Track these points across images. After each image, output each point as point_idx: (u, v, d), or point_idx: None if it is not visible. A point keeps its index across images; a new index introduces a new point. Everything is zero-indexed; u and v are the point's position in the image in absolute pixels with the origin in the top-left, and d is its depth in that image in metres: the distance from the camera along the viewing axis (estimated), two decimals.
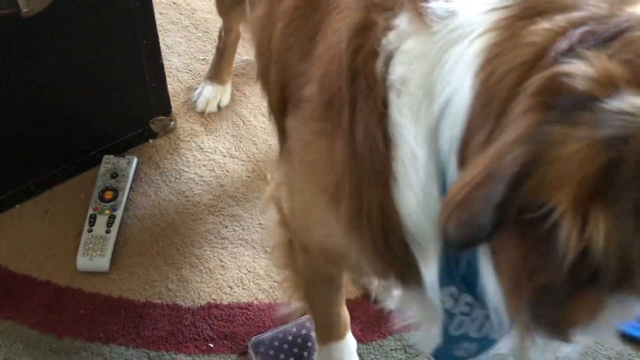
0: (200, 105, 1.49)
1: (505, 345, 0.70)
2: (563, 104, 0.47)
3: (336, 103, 0.66)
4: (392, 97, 0.61)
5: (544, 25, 0.52)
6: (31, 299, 1.21)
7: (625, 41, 0.49)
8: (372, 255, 0.69)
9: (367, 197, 0.65)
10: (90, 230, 1.27)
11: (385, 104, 0.62)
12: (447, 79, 0.57)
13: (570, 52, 0.50)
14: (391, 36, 0.61)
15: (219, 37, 1.48)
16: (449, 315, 0.66)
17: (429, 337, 0.73)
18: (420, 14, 0.60)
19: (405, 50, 0.60)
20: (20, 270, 1.24)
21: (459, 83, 0.56)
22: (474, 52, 0.55)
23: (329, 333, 1.04)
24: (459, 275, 0.62)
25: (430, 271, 0.65)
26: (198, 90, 1.51)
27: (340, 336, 1.05)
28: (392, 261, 0.68)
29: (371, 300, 1.18)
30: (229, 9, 1.35)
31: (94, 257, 1.24)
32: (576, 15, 0.52)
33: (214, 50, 1.53)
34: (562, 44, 0.50)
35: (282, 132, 0.86)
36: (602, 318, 0.54)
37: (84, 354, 1.14)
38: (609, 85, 0.47)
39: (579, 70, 0.48)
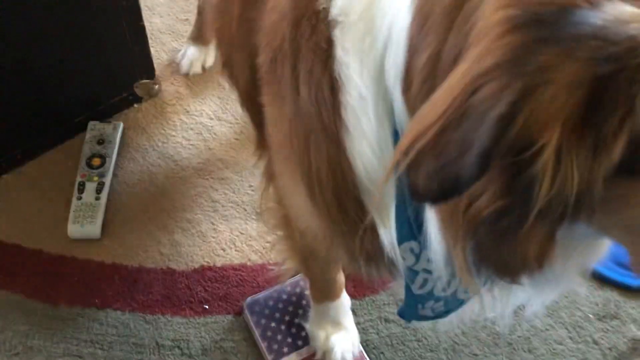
0: (184, 66, 1.47)
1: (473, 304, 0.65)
2: (544, 18, 0.39)
3: (279, 56, 0.60)
4: (336, 34, 0.56)
5: None
6: (24, 268, 1.21)
7: None
8: (328, 227, 0.63)
9: (315, 158, 0.59)
10: (79, 198, 1.27)
11: (329, 42, 0.56)
12: (386, 8, 0.53)
13: None
14: None
15: None
16: (411, 272, 0.61)
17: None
18: None
19: None
20: (11, 240, 1.24)
21: (397, 9, 0.52)
22: None
23: (325, 295, 1.05)
24: (418, 226, 0.55)
25: (388, 230, 0.59)
26: (181, 52, 1.49)
27: (335, 297, 1.05)
28: (349, 229, 0.62)
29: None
30: None
31: (84, 224, 1.23)
32: None
33: (195, 10, 1.50)
34: None
35: (257, 122, 0.79)
36: (555, 257, 0.48)
37: (81, 320, 1.15)
38: None
39: None
